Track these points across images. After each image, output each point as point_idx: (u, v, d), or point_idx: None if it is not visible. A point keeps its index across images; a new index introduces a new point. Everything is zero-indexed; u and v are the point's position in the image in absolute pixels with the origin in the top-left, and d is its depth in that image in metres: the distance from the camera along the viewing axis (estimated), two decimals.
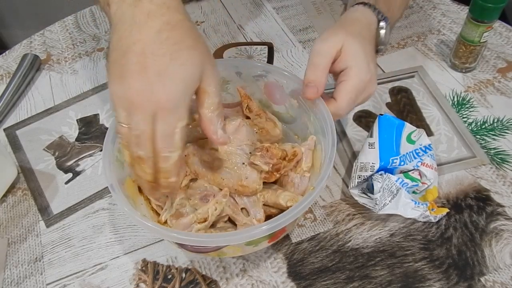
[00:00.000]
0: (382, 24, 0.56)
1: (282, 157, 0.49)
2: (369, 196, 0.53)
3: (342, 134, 0.64)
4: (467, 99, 0.66)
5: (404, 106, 0.66)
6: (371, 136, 0.55)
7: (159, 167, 0.41)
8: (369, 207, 0.53)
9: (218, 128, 0.43)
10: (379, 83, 0.69)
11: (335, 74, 0.52)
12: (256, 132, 0.53)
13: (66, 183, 0.61)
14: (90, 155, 0.64)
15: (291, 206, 0.44)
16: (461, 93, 0.67)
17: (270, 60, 0.75)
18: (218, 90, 0.43)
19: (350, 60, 0.50)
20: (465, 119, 0.64)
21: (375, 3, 0.57)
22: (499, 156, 0.59)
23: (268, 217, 0.47)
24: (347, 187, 0.57)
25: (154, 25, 0.40)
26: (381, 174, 0.52)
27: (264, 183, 0.49)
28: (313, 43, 0.52)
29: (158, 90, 0.39)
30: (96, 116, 0.69)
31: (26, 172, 0.62)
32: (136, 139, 0.40)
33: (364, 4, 0.57)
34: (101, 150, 0.64)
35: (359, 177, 0.53)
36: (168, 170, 0.41)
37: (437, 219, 0.53)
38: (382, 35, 0.57)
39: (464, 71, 0.70)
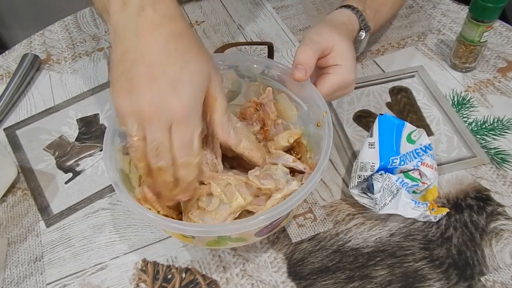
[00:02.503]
0: (361, 33, 0.60)
1: (254, 111, 0.54)
2: (369, 196, 0.53)
3: (342, 134, 0.63)
4: (467, 99, 0.66)
5: (404, 106, 0.66)
6: (371, 136, 0.55)
7: (179, 174, 0.42)
8: (369, 207, 0.53)
9: (230, 130, 0.45)
10: (379, 83, 0.69)
11: (321, 68, 0.54)
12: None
13: (66, 183, 0.61)
14: (90, 155, 0.64)
15: (294, 143, 0.52)
16: (461, 93, 0.67)
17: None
18: (224, 93, 0.44)
19: (340, 59, 0.53)
20: (465, 119, 0.64)
21: (363, 9, 0.59)
22: (499, 156, 0.59)
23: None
24: (347, 187, 0.57)
25: (160, 35, 0.40)
26: (381, 174, 0.52)
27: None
28: (306, 32, 0.54)
29: (171, 100, 0.39)
30: (96, 116, 0.69)
31: (26, 172, 0.62)
32: (155, 151, 0.40)
33: (352, 8, 0.59)
34: (101, 150, 0.64)
35: (359, 177, 0.53)
36: (189, 176, 0.42)
37: (437, 219, 0.53)
38: (360, 43, 0.61)
39: (464, 71, 0.70)
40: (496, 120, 0.63)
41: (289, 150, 0.55)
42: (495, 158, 0.59)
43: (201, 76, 0.41)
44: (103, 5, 0.43)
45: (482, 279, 0.49)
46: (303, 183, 0.45)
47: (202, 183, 0.47)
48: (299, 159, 0.54)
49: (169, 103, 0.39)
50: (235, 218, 0.47)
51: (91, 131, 0.67)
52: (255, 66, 0.55)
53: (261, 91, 0.56)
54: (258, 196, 0.48)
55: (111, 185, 0.45)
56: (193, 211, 0.47)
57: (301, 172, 0.51)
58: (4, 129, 0.68)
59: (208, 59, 0.42)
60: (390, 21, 0.74)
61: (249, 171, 0.48)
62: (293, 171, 0.51)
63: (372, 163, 0.52)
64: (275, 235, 0.53)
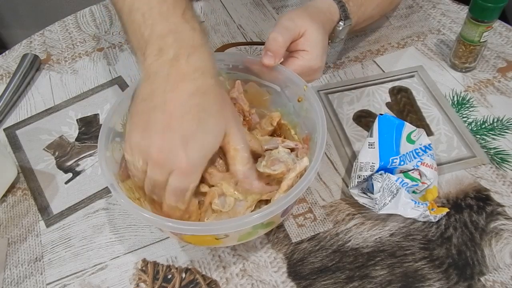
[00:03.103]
0: (340, 23, 0.61)
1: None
2: (369, 196, 0.53)
3: (342, 134, 0.64)
4: (467, 99, 0.66)
5: (404, 106, 0.66)
6: (371, 136, 0.55)
7: (167, 207, 0.44)
8: (369, 207, 0.53)
9: (254, 180, 0.46)
10: (379, 83, 0.69)
11: (290, 51, 0.56)
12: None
13: (66, 183, 0.61)
14: (90, 155, 0.64)
15: (277, 125, 0.53)
16: (461, 92, 0.67)
17: None
18: (247, 146, 0.45)
19: (308, 46, 0.54)
20: (465, 119, 0.64)
21: (346, 0, 0.61)
22: (499, 155, 0.59)
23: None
24: (347, 187, 0.57)
25: (187, 88, 0.41)
26: (381, 174, 0.52)
27: None
28: (278, 19, 0.55)
29: (180, 154, 0.40)
30: (96, 116, 0.69)
31: (26, 172, 0.62)
32: (151, 187, 0.43)
33: None
34: None
35: (359, 177, 0.53)
36: (176, 212, 0.45)
37: (437, 219, 0.53)
38: (336, 34, 0.61)
39: (464, 71, 0.70)
40: (496, 120, 0.63)
41: (271, 134, 0.56)
42: (495, 158, 0.59)
43: (215, 137, 0.42)
44: (138, 46, 0.44)
45: (482, 279, 0.49)
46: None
47: (211, 185, 0.47)
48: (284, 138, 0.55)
49: (176, 156, 0.40)
50: (252, 211, 0.47)
51: (91, 131, 0.67)
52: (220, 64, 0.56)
53: (228, 86, 0.56)
54: (268, 183, 0.48)
55: (108, 186, 0.45)
56: (208, 216, 0.47)
57: (292, 150, 0.52)
58: (4, 129, 0.68)
59: (228, 116, 0.44)
60: (380, 17, 0.73)
61: (256, 164, 0.49)
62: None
63: (372, 163, 0.52)
64: (275, 235, 0.53)
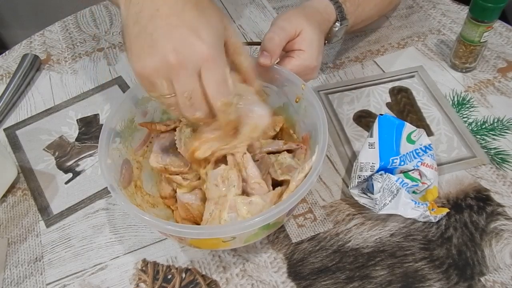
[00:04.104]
0: (337, 24, 0.61)
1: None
2: (369, 196, 0.53)
3: (342, 134, 0.64)
4: (467, 99, 0.66)
5: (404, 106, 0.66)
6: (371, 136, 0.55)
7: (220, 118, 0.42)
8: (369, 207, 0.53)
9: (254, 76, 0.46)
10: (379, 83, 0.69)
11: (286, 51, 0.56)
12: None
13: (66, 183, 0.61)
14: (90, 155, 0.64)
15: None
16: (461, 93, 0.67)
17: None
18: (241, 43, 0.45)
19: (304, 45, 0.54)
20: (465, 119, 0.64)
21: (343, 1, 0.61)
22: (499, 156, 0.59)
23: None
24: (347, 187, 0.57)
25: None
26: (381, 174, 0.52)
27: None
28: (275, 19, 0.56)
29: (196, 43, 0.38)
30: (96, 116, 0.69)
31: (26, 172, 0.62)
32: (188, 101, 0.40)
33: None
34: None
35: (359, 177, 0.53)
36: (230, 116, 0.43)
37: (437, 219, 0.53)
38: (333, 34, 0.62)
39: (464, 71, 0.70)
40: (496, 120, 0.63)
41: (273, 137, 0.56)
42: (495, 158, 0.59)
43: (218, 20, 0.41)
44: None
45: (482, 279, 0.49)
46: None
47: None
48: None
49: (194, 46, 0.38)
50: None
51: (91, 131, 0.67)
52: None
53: None
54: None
55: (107, 187, 0.45)
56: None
57: (290, 151, 0.53)
58: (4, 129, 0.68)
59: (220, 9, 0.43)
60: (378, 17, 0.74)
61: (270, 171, 0.49)
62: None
63: (372, 163, 0.52)
64: (275, 235, 0.53)
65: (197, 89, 0.39)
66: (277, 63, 0.54)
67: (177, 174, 0.51)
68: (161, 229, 0.43)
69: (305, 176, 0.46)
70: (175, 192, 0.53)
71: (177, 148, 0.51)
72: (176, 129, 0.52)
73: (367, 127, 0.64)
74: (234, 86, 0.41)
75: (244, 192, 0.48)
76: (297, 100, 0.53)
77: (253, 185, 0.47)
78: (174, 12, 0.39)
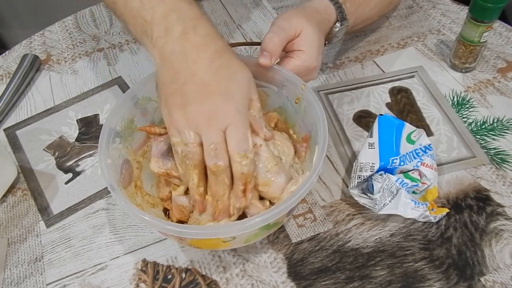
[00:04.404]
0: (337, 24, 0.61)
1: None
2: (369, 196, 0.53)
3: (342, 134, 0.64)
4: (467, 99, 0.66)
5: (404, 106, 0.66)
6: (371, 136, 0.55)
7: (235, 169, 0.45)
8: (369, 207, 0.53)
9: (263, 126, 0.48)
10: (379, 83, 0.69)
11: (286, 51, 0.56)
12: None
13: (66, 183, 0.61)
14: (90, 155, 0.64)
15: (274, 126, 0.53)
16: (461, 93, 0.67)
17: None
18: (257, 97, 0.48)
19: (304, 46, 0.55)
20: (465, 119, 0.64)
21: (343, 1, 0.61)
22: (499, 156, 0.59)
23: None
24: (347, 187, 0.57)
25: (206, 56, 0.44)
26: (381, 174, 0.52)
27: None
28: (275, 19, 0.56)
29: (226, 108, 0.44)
30: (96, 116, 0.69)
31: (26, 172, 0.62)
32: (213, 152, 0.44)
33: None
34: None
35: (359, 177, 0.53)
36: (245, 168, 0.45)
37: (437, 219, 0.53)
38: (333, 35, 0.62)
39: (464, 71, 0.70)
40: (496, 120, 0.63)
41: None
42: (495, 158, 0.59)
43: (246, 86, 0.46)
44: (143, 30, 0.46)
45: (482, 279, 0.49)
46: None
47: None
48: None
49: (224, 110, 0.44)
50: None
51: (91, 131, 0.67)
52: None
53: None
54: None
55: (107, 187, 0.45)
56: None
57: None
58: (4, 130, 0.68)
59: (248, 69, 0.47)
60: (378, 18, 0.73)
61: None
62: None
63: (372, 163, 0.52)
64: (275, 236, 0.53)
65: (222, 143, 0.44)
66: (277, 64, 0.54)
67: (178, 179, 0.51)
68: (161, 229, 0.44)
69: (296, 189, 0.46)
70: None
71: None
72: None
73: (367, 127, 0.64)
74: (252, 145, 0.45)
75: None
76: (297, 101, 0.53)
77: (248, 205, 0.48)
78: (207, 79, 0.44)
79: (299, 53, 0.55)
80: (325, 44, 0.60)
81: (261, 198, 0.49)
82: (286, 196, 0.46)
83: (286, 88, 0.54)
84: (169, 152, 0.51)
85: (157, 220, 0.42)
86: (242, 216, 0.47)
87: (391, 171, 0.53)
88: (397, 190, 0.51)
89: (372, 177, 0.52)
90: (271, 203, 0.49)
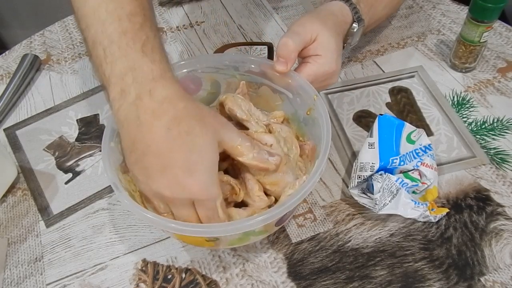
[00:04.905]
0: (354, 25, 0.60)
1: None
2: (369, 196, 0.53)
3: (342, 134, 0.64)
4: (467, 99, 0.66)
5: (404, 106, 0.66)
6: (371, 136, 0.55)
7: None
8: (369, 207, 0.53)
9: (266, 157, 0.45)
10: (379, 83, 0.69)
11: (302, 57, 0.55)
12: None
13: (66, 183, 0.61)
14: (90, 155, 0.64)
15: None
16: (461, 93, 0.67)
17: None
18: (244, 136, 0.45)
19: (321, 50, 0.53)
20: (465, 119, 0.64)
21: (357, 2, 0.60)
22: (499, 156, 0.59)
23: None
24: (347, 187, 0.57)
25: (161, 124, 0.40)
26: (381, 174, 0.52)
27: None
28: (290, 25, 0.55)
29: (187, 183, 0.40)
30: (96, 116, 0.69)
31: (26, 172, 0.62)
32: (184, 221, 0.43)
33: (346, 0, 0.59)
34: (101, 150, 0.64)
35: (359, 177, 0.53)
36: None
37: (437, 219, 0.53)
38: (352, 36, 0.61)
39: (464, 71, 0.70)
40: (495, 120, 0.63)
41: None
42: (495, 158, 0.59)
43: (210, 151, 0.42)
44: (103, 84, 0.43)
45: (482, 279, 0.49)
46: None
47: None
48: None
49: (186, 186, 0.40)
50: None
51: (91, 131, 0.67)
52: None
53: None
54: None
55: (111, 185, 0.45)
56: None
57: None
58: (4, 129, 0.68)
59: (212, 122, 0.43)
60: (386, 18, 0.74)
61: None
62: None
63: (372, 163, 0.52)
64: (275, 235, 0.53)
65: (192, 216, 0.43)
66: (294, 70, 0.53)
67: None
68: (140, 216, 0.43)
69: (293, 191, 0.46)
70: None
71: None
72: None
73: (367, 127, 0.64)
74: (224, 212, 0.44)
75: (244, 203, 0.49)
76: (308, 112, 0.52)
77: (254, 197, 0.48)
78: (164, 150, 0.40)
79: (316, 58, 0.53)
80: (343, 47, 0.59)
81: (267, 194, 0.49)
82: (283, 200, 0.46)
83: (300, 97, 0.53)
84: None
85: (137, 207, 0.43)
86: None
87: (391, 171, 0.53)
88: (397, 190, 0.51)
89: (372, 177, 0.52)
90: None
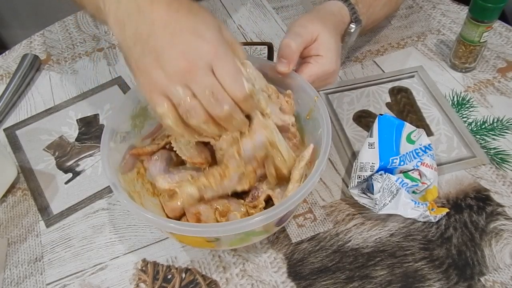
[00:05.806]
0: (352, 25, 0.61)
1: None
2: (369, 196, 0.53)
3: (342, 134, 0.64)
4: (467, 99, 0.66)
5: (404, 106, 0.66)
6: (371, 136, 0.55)
7: (244, 107, 0.42)
8: (369, 207, 0.53)
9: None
10: (379, 83, 0.69)
11: (303, 57, 0.55)
12: None
13: (66, 183, 0.61)
14: (90, 155, 0.64)
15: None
16: (461, 93, 0.67)
17: (270, 60, 0.74)
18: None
19: (322, 50, 0.54)
20: (465, 119, 0.64)
21: (355, 2, 0.60)
22: (499, 156, 0.59)
23: None
24: (347, 187, 0.57)
25: (161, 1, 0.41)
26: (381, 174, 0.52)
27: None
28: (291, 23, 0.55)
29: (200, 44, 0.40)
30: (96, 116, 0.69)
31: (26, 172, 0.62)
32: (212, 98, 0.40)
33: (345, 0, 0.60)
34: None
35: (359, 177, 0.53)
36: (248, 106, 0.42)
37: (437, 219, 0.53)
38: (349, 36, 0.61)
39: (464, 71, 0.70)
40: (495, 120, 0.63)
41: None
42: (495, 158, 0.59)
43: (213, 21, 0.42)
44: (95, 5, 0.44)
45: (482, 279, 0.49)
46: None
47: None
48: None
49: (199, 47, 0.39)
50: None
51: (91, 131, 0.67)
52: None
53: None
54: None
55: (110, 185, 0.45)
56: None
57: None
58: (4, 129, 0.68)
59: (210, 12, 0.43)
60: (385, 19, 0.74)
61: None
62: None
63: (372, 163, 0.52)
64: (275, 235, 0.53)
65: (216, 84, 0.40)
66: (295, 70, 0.54)
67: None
68: (138, 215, 0.43)
69: (307, 164, 0.47)
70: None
71: (174, 163, 0.52)
72: (171, 142, 0.51)
73: (367, 127, 0.64)
74: (248, 73, 0.42)
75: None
76: (308, 116, 0.53)
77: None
78: (170, 21, 0.40)
79: (317, 58, 0.54)
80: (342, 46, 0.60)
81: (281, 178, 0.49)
82: (298, 175, 0.46)
83: (302, 98, 0.53)
84: (168, 167, 0.51)
85: (136, 207, 0.43)
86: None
87: (391, 171, 0.53)
88: (397, 190, 0.51)
89: (372, 177, 0.52)
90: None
